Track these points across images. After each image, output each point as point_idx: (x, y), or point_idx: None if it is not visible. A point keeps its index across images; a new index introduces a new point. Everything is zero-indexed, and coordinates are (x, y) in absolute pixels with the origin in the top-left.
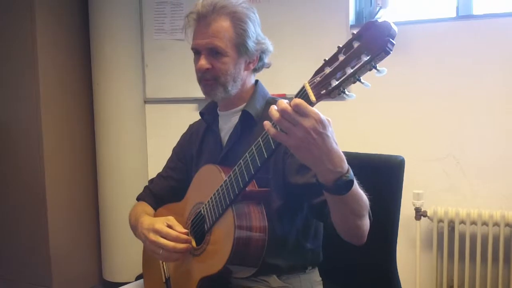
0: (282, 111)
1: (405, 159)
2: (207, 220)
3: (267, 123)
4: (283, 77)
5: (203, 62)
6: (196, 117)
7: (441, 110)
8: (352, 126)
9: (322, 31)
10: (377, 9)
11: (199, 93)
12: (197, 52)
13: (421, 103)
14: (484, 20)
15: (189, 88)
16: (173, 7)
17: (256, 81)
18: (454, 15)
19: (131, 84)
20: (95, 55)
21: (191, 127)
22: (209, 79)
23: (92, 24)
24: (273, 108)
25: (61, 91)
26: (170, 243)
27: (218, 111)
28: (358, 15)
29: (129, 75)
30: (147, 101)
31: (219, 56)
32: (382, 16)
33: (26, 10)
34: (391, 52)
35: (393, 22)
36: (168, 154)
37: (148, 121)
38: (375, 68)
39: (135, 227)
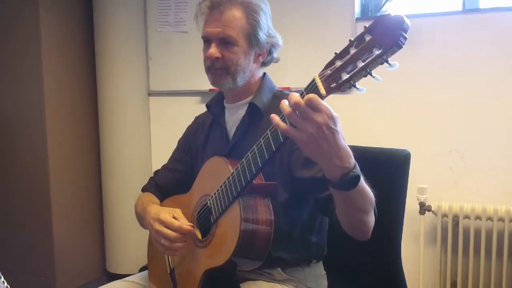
0: (295, 105)
1: (410, 153)
2: (213, 212)
3: (274, 117)
4: (287, 70)
5: (213, 50)
6: (200, 109)
7: (446, 104)
8: (358, 120)
9: (327, 23)
10: (383, 2)
11: (203, 85)
12: (207, 40)
13: (426, 97)
14: (490, 13)
15: (193, 80)
16: (177, 0)
17: (264, 73)
18: (460, 8)
19: (135, 77)
20: (99, 47)
21: (197, 119)
22: (218, 69)
23: (96, 16)
24: (285, 102)
25: (64, 84)
26: (171, 233)
27: (224, 104)
28: (364, 7)
29: (133, 68)
30: (151, 93)
31: (230, 46)
32: (388, 9)
33: (30, 3)
34: (403, 46)
35: None
36: (171, 146)
37: (152, 114)
38: (387, 62)
39: (141, 217)
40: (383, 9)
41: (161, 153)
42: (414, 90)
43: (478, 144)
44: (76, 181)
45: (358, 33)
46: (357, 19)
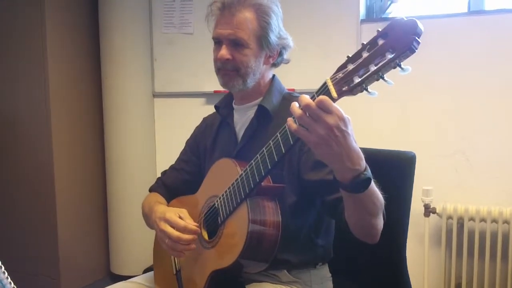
0: (306, 107)
1: (415, 155)
2: (221, 213)
3: (290, 119)
4: (292, 71)
5: (224, 52)
6: (204, 111)
7: (451, 106)
8: (363, 121)
9: (332, 25)
10: (388, 4)
11: (207, 87)
12: (218, 41)
13: (432, 98)
14: (495, 15)
15: (198, 82)
16: (182, 1)
17: (273, 75)
18: (465, 10)
19: (140, 78)
20: (104, 49)
21: (205, 119)
22: (229, 70)
23: (101, 17)
24: (295, 104)
25: (70, 85)
26: (175, 233)
27: (233, 105)
28: (369, 9)
29: (137, 69)
30: (155, 95)
31: (241, 48)
32: (393, 11)
33: (36, 5)
34: (416, 50)
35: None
36: (176, 147)
37: (156, 115)
38: (400, 66)
39: (148, 216)
40: (388, 10)
41: (166, 154)
42: (419, 91)
43: (483, 146)
44: (81, 182)
45: (363, 34)
46: (362, 21)
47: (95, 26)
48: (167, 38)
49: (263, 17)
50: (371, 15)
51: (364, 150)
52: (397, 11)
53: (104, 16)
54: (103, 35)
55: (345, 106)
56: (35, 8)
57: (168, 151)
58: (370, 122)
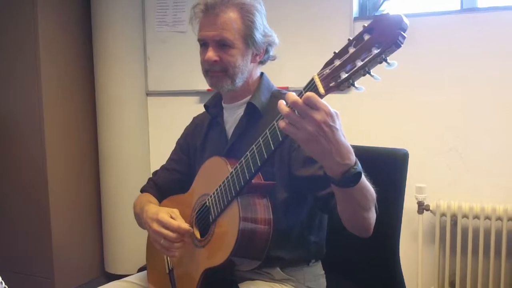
0: (293, 104)
1: (408, 152)
2: (212, 211)
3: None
4: (286, 69)
5: (211, 54)
6: (198, 109)
7: (444, 103)
8: (356, 119)
9: (325, 23)
10: (381, 1)
11: (201, 85)
12: (204, 43)
13: (425, 96)
14: (488, 13)
15: (191, 80)
16: (175, 0)
17: (261, 73)
18: (458, 8)
19: (133, 77)
20: (97, 47)
21: (195, 119)
22: (217, 71)
23: (94, 16)
24: (282, 102)
25: (63, 84)
26: (170, 234)
27: (222, 104)
28: (362, 7)
29: (131, 68)
30: (149, 93)
31: (227, 48)
32: (386, 8)
33: (28, 3)
34: (402, 45)
35: None
36: (170, 146)
37: (150, 114)
38: (386, 61)
39: (139, 216)
40: (381, 8)
41: (160, 153)
42: (412, 89)
43: (477, 143)
44: (74, 181)
45: (356, 32)
46: (355, 19)
47: (88, 25)
48: (160, 36)
49: (247, 16)
50: (364, 13)
51: (357, 148)
52: (390, 9)
53: (97, 15)
54: (96, 34)
55: (337, 103)
56: (27, 7)
57: (161, 150)
58: (363, 120)
